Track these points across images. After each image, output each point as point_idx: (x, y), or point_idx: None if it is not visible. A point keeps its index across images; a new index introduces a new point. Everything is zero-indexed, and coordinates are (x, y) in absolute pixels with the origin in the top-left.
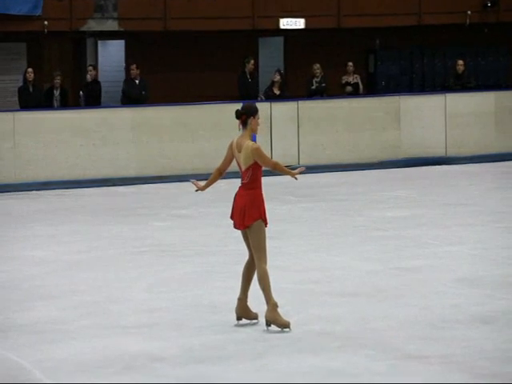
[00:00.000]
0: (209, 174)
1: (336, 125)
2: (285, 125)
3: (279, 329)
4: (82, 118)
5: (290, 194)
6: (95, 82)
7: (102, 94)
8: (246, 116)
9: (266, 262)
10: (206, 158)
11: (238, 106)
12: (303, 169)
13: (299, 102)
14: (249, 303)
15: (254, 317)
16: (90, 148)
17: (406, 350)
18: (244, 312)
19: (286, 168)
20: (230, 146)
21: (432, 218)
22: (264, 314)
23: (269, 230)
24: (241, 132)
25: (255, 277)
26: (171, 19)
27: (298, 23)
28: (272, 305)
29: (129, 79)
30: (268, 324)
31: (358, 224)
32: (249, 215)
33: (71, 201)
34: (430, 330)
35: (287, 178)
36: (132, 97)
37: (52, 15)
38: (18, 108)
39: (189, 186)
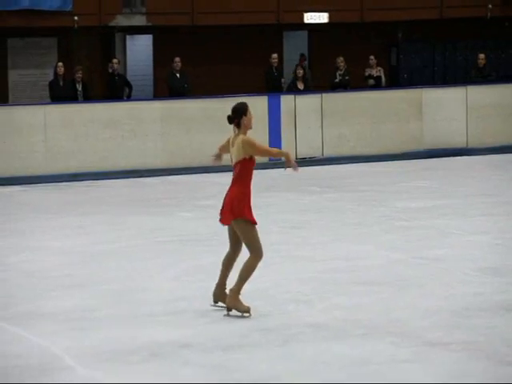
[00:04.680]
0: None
1: (359, 117)
2: (309, 117)
3: (239, 314)
4: (111, 110)
5: (314, 184)
6: (119, 75)
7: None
8: (237, 119)
9: (258, 258)
10: None
11: (264, 98)
12: (296, 167)
13: (323, 94)
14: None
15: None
16: (118, 140)
17: (430, 338)
18: (221, 296)
19: (283, 151)
20: (228, 141)
21: (455, 208)
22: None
23: (294, 220)
24: (236, 132)
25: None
26: (198, 14)
27: (322, 17)
28: (235, 292)
29: (171, 73)
30: (229, 310)
31: (382, 214)
32: (232, 212)
33: (100, 192)
34: (453, 318)
35: (312, 169)
36: (175, 90)
37: (82, 11)
38: (49, 101)
39: (214, 177)
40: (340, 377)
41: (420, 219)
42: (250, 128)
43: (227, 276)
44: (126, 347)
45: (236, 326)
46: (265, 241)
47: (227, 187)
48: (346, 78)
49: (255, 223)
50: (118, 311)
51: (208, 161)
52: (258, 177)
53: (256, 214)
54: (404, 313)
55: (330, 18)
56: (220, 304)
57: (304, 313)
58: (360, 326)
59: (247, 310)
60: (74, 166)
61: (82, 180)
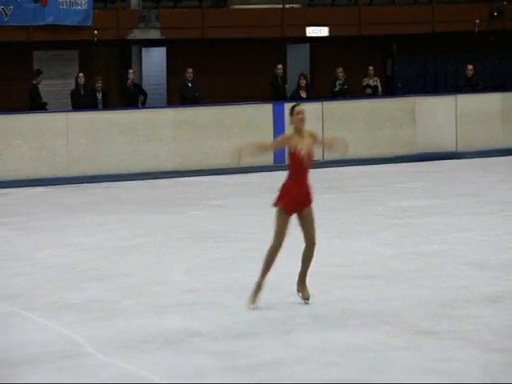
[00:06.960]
0: (243, 167)
1: (357, 123)
2: (311, 123)
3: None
4: (128, 117)
5: (315, 186)
6: (135, 84)
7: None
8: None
9: (274, 242)
10: None
11: (269, 106)
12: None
13: (324, 102)
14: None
15: (306, 297)
16: (134, 145)
17: (422, 327)
18: (304, 290)
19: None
20: (288, 138)
21: (444, 207)
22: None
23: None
24: None
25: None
26: (208, 28)
27: (323, 31)
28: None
29: (183, 82)
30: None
31: (378, 213)
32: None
33: (117, 192)
34: (443, 309)
35: (313, 171)
36: (187, 98)
37: (101, 25)
38: (71, 109)
39: (224, 179)
40: (338, 363)
41: (412, 217)
42: (297, 126)
43: (302, 269)
44: (143, 336)
45: (244, 316)
46: (269, 238)
47: (234, 188)
48: (345, 87)
49: (285, 209)
50: (135, 302)
51: (216, 163)
52: (263, 178)
53: (263, 213)
54: (397, 304)
55: (330, 31)
56: (300, 294)
57: (306, 304)
58: (357, 316)
59: (253, 303)
60: (93, 169)
61: (101, 181)
